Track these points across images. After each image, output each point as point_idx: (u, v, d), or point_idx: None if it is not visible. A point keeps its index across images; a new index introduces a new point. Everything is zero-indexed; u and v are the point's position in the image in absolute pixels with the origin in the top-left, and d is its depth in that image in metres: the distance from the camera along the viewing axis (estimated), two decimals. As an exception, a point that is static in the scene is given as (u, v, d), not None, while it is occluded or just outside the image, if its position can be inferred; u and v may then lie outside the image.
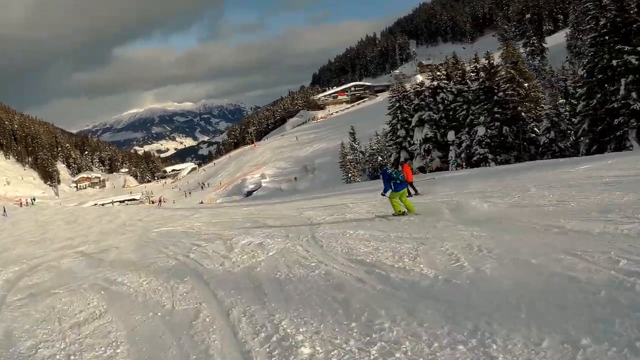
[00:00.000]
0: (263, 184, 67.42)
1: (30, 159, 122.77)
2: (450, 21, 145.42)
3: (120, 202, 78.17)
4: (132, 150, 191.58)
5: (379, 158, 57.17)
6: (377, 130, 59.47)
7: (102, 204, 70.45)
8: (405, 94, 45.11)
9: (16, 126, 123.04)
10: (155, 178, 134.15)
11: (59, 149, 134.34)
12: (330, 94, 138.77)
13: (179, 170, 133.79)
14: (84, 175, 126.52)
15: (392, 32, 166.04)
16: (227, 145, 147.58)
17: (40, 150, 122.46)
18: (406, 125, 43.30)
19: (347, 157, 60.32)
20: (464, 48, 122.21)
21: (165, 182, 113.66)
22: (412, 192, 14.53)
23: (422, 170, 40.61)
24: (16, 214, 33.33)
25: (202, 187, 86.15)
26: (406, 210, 9.92)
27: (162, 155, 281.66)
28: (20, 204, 46.36)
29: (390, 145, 46.24)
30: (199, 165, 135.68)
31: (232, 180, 78.39)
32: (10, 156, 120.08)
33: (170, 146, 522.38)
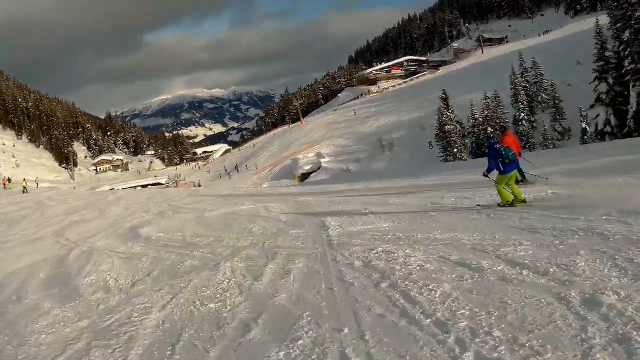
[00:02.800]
0: (323, 165, 51.12)
1: (44, 139, 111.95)
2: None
3: (143, 186, 64.58)
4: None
5: (489, 129, 42.28)
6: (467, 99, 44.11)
7: (123, 189, 57.09)
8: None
9: (30, 104, 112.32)
10: (185, 161, 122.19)
11: (79, 130, 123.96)
12: (382, 68, 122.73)
13: (211, 152, 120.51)
14: (104, 157, 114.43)
15: (434, 11, 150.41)
16: (266, 126, 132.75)
17: (56, 130, 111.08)
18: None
19: (446, 127, 43.71)
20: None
21: (197, 165, 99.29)
22: (519, 177, 9.77)
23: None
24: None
25: (237, 170, 71.34)
26: (514, 199, 7.54)
27: (191, 141, 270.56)
28: None
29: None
30: (236, 146, 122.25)
31: (278, 162, 62.51)
32: (23, 136, 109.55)
33: (199, 132, 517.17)
